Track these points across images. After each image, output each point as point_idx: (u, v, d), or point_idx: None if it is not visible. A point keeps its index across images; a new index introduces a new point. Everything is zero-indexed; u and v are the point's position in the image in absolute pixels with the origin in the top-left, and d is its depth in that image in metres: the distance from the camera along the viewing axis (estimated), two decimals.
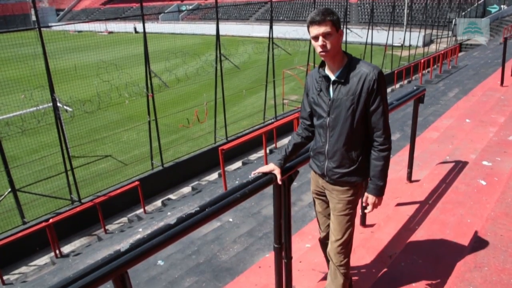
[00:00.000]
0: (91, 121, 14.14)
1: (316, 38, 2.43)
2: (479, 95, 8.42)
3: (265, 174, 2.68)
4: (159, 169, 11.88)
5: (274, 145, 12.70)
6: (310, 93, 2.67)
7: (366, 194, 2.66)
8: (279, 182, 2.66)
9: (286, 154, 2.78)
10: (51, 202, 10.39)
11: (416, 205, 4.15)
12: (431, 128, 7.24)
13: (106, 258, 1.85)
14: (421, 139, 6.51)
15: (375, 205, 2.66)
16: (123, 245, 1.95)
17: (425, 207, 4.09)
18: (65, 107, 12.17)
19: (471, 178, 4.14)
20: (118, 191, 10.09)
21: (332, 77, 2.53)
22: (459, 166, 4.82)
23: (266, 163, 10.23)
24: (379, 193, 2.61)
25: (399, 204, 4.26)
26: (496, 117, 6.29)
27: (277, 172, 2.68)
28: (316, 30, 2.41)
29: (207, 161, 12.65)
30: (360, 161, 2.60)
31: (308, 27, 2.45)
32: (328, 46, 2.41)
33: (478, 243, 2.72)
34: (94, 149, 14.40)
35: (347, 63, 2.49)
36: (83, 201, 10.18)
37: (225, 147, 9.53)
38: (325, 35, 2.39)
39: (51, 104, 9.82)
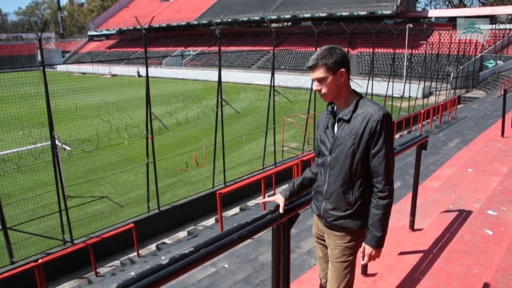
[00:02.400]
0: (89, 161, 14.05)
1: (314, 81, 2.43)
2: (480, 145, 8.38)
3: (266, 214, 2.58)
4: (155, 212, 11.66)
5: (273, 191, 12.54)
6: (319, 130, 2.62)
7: (363, 243, 2.53)
8: (281, 211, 2.56)
9: (294, 186, 2.71)
10: (43, 242, 10.11)
11: (420, 254, 3.99)
12: (433, 177, 7.14)
13: None
14: (423, 188, 6.40)
15: (371, 257, 2.49)
16: (111, 286, 1.81)
17: (429, 256, 3.93)
18: (63, 145, 12.11)
19: (477, 228, 4.00)
20: (112, 232, 9.84)
21: (338, 115, 2.47)
22: (463, 215, 4.68)
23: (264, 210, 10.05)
24: (376, 244, 2.44)
25: (401, 253, 4.10)
26: (498, 167, 6.21)
27: (280, 201, 2.60)
28: (312, 74, 2.41)
29: (204, 206, 12.45)
30: (358, 206, 2.47)
31: None
32: (323, 90, 2.39)
33: None
34: (90, 189, 14.22)
35: (355, 102, 2.43)
36: (75, 242, 9.91)
37: (223, 191, 9.39)
38: (319, 80, 2.38)
39: (50, 142, 9.76)
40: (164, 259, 1.99)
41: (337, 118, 2.48)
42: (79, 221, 11.45)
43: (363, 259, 2.53)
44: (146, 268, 1.94)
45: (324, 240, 2.72)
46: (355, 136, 2.36)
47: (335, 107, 2.52)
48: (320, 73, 2.35)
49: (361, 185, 2.45)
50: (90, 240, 9.56)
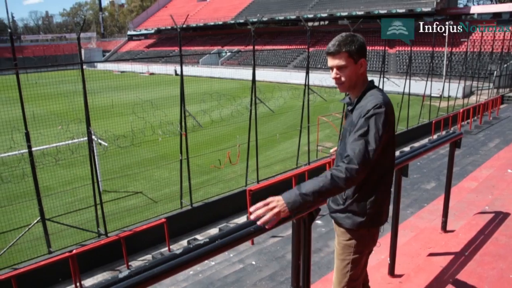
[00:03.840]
0: (124, 157, 14.34)
1: (331, 69, 2.32)
2: None
3: None
4: (188, 209, 11.78)
5: None
6: None
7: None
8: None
9: None
10: (78, 234, 10.41)
11: (451, 256, 3.83)
12: (469, 177, 6.88)
13: (102, 284, 1.72)
14: (458, 189, 6.17)
15: (267, 207, 1.99)
16: (123, 273, 1.82)
17: (460, 258, 3.77)
18: (99, 141, 12.42)
19: None
20: (144, 227, 10.00)
21: (349, 106, 2.43)
22: (499, 217, 4.48)
23: None
24: (285, 198, 2.00)
25: (431, 254, 3.95)
26: None
27: None
28: (331, 61, 2.29)
29: (236, 203, 12.47)
30: (349, 204, 2.37)
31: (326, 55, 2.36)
32: (342, 78, 2.29)
33: None
34: (125, 184, 14.52)
35: (362, 93, 2.34)
36: (109, 235, 10.14)
37: (253, 188, 9.38)
38: (339, 68, 2.27)
39: (86, 137, 10.03)
40: (178, 249, 1.98)
41: (348, 109, 2.45)
42: (114, 215, 11.71)
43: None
44: (159, 258, 1.94)
45: None
46: (351, 128, 2.25)
47: (350, 97, 2.46)
48: (342, 60, 2.25)
49: None
50: (123, 233, 9.75)
